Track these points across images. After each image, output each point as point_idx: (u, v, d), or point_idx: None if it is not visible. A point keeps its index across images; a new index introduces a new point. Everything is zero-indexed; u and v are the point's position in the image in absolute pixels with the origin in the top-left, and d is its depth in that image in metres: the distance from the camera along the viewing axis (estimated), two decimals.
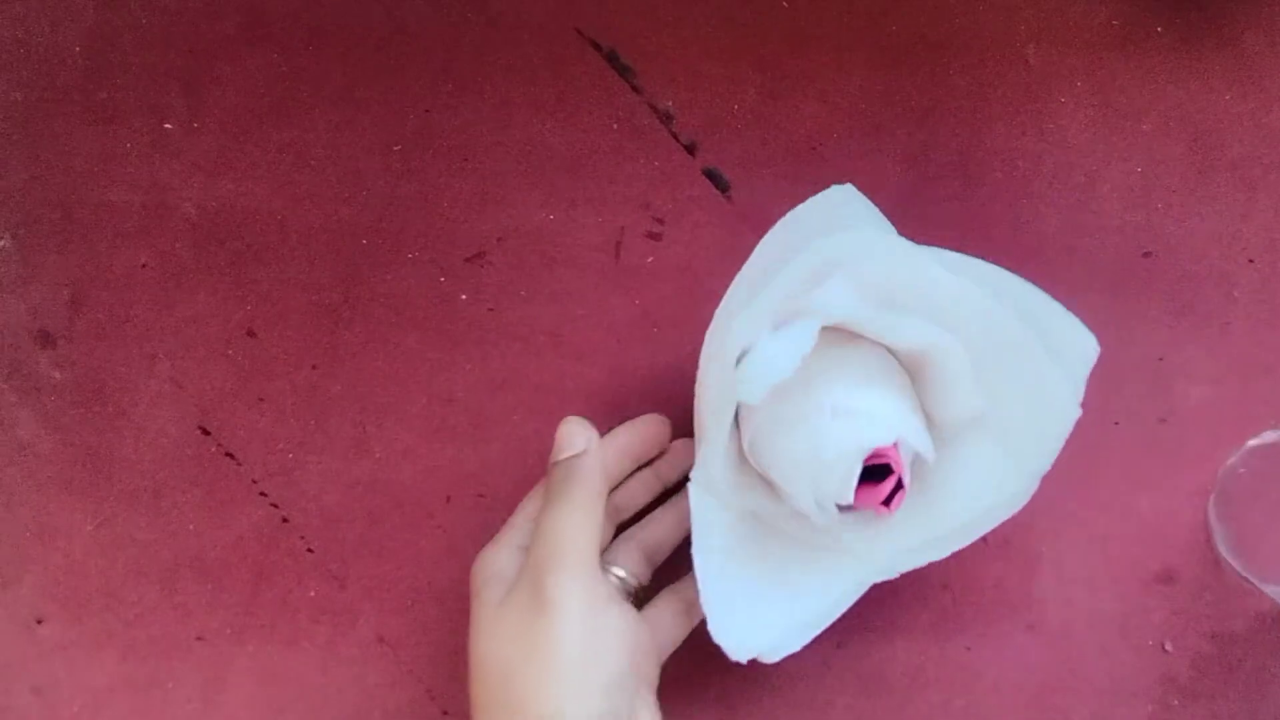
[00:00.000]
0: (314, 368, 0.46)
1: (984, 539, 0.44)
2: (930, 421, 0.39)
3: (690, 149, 0.47)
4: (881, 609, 0.44)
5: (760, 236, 0.37)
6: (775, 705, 0.44)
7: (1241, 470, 0.44)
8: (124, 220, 0.47)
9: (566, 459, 0.39)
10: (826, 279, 0.38)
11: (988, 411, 0.39)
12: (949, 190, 0.47)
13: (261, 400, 0.46)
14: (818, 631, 0.38)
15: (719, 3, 0.48)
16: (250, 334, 0.47)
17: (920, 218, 0.46)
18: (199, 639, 0.45)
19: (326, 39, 0.48)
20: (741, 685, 0.39)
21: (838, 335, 0.39)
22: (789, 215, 0.38)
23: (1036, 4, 0.47)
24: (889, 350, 0.40)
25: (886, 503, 0.37)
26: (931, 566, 0.38)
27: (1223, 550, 0.44)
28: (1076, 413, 0.37)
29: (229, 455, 0.46)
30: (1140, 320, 0.46)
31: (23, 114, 0.48)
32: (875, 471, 0.37)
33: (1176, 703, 0.44)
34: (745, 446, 0.39)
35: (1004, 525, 0.41)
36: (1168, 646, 0.44)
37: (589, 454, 0.39)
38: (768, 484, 0.40)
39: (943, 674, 0.44)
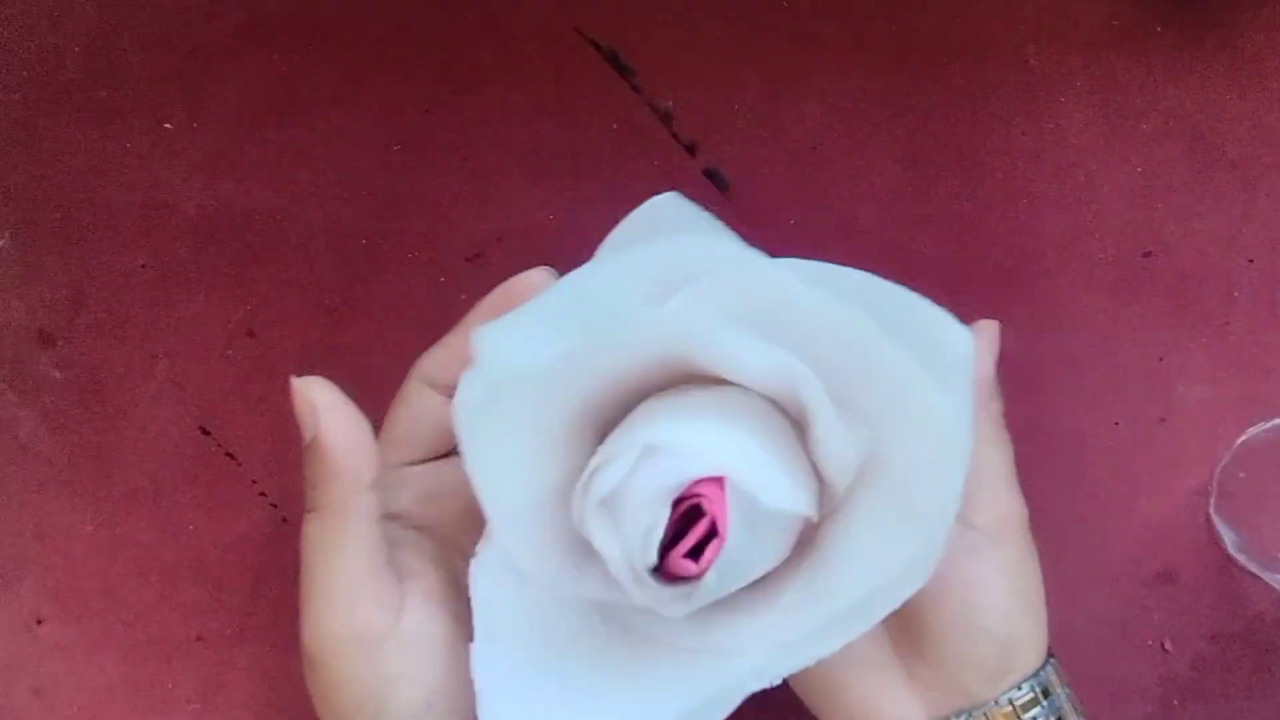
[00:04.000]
0: (314, 368, 0.46)
1: None
2: (822, 483, 0.31)
3: (690, 149, 0.47)
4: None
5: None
6: (774, 705, 0.44)
7: (1241, 472, 0.44)
8: (124, 220, 0.47)
9: (308, 447, 0.29)
10: (673, 294, 0.30)
11: (877, 457, 0.30)
12: (949, 190, 0.47)
13: (261, 400, 0.46)
14: None
15: (719, 3, 0.48)
16: (250, 334, 0.47)
17: (920, 218, 0.46)
18: (199, 639, 0.45)
19: (326, 39, 0.48)
20: None
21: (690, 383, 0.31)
22: (611, 234, 0.33)
23: (1036, 4, 0.47)
24: (770, 400, 0.31)
25: (694, 555, 0.28)
26: None
27: (1229, 547, 0.44)
28: (967, 442, 0.27)
29: (229, 455, 0.46)
30: (1140, 320, 0.46)
31: (23, 114, 0.48)
32: (691, 518, 0.29)
33: (1176, 703, 0.44)
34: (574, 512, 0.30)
35: None
36: (1168, 646, 0.44)
37: (321, 438, 0.29)
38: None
39: None
